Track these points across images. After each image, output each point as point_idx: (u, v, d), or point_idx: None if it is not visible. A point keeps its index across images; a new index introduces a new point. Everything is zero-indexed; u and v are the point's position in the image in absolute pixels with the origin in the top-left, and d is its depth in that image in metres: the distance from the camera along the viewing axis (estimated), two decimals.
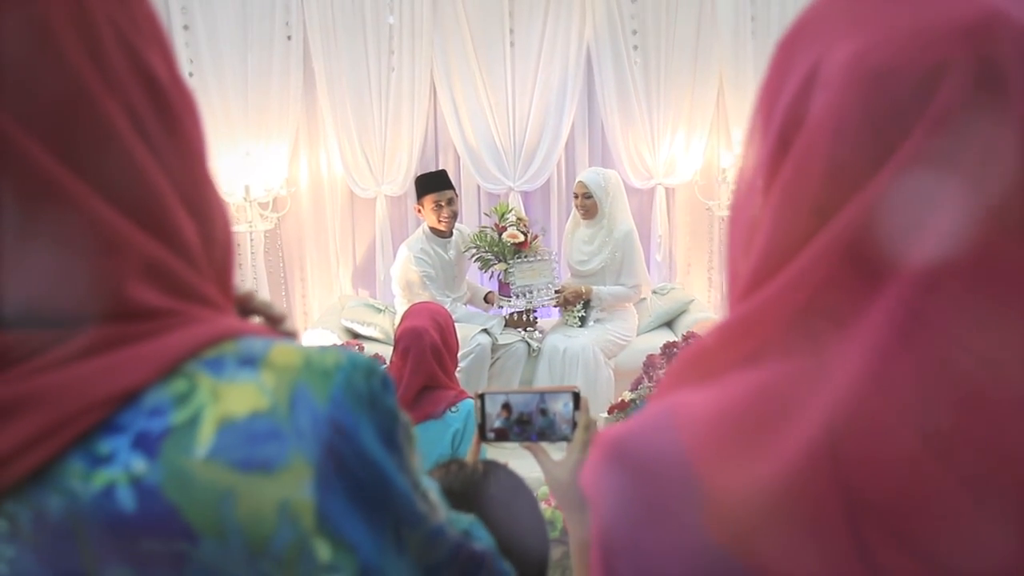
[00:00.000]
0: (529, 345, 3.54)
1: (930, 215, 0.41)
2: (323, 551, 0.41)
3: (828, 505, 0.41)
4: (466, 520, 0.58)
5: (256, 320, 0.55)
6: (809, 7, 0.48)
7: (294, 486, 0.40)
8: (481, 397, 0.90)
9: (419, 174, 3.65)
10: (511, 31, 4.13)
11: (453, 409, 2.17)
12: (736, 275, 0.50)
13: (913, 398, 0.40)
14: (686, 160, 4.35)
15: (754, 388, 0.45)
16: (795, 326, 0.45)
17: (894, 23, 0.42)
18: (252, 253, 3.98)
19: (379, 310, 3.87)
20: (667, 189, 4.42)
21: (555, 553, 2.12)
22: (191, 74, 3.85)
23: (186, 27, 3.83)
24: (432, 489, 0.51)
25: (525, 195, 4.34)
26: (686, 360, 0.51)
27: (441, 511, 0.52)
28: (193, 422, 0.39)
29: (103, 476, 0.38)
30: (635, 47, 4.20)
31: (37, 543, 0.38)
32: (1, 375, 0.37)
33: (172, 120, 0.44)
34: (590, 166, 4.11)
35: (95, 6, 0.40)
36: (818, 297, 0.44)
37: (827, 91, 0.43)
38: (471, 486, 0.93)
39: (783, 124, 0.46)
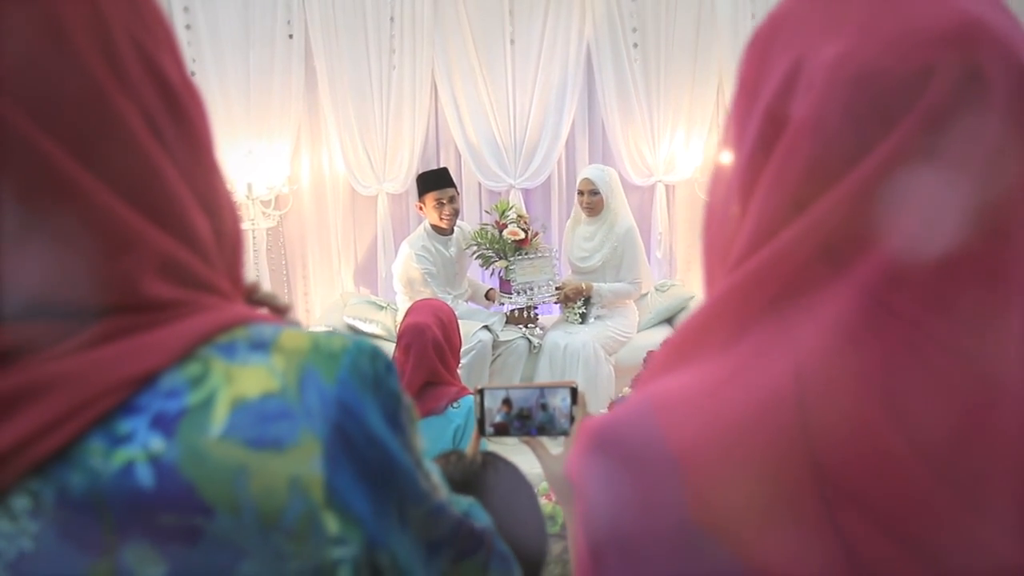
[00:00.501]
0: (530, 342, 3.56)
1: (901, 211, 0.42)
2: (332, 524, 0.43)
3: (795, 460, 0.42)
4: (465, 502, 0.60)
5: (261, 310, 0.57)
6: (780, 8, 0.50)
7: (304, 462, 0.42)
8: (480, 393, 0.92)
9: (420, 172, 3.67)
10: (511, 29, 4.14)
11: (455, 405, 2.18)
12: (713, 280, 0.52)
13: (877, 369, 0.42)
14: (686, 157, 4.36)
15: (726, 368, 0.46)
16: (768, 313, 0.46)
17: (877, 26, 0.44)
18: (255, 251, 4.00)
19: (381, 307, 3.89)
20: (667, 186, 4.43)
21: (556, 548, 2.13)
22: (193, 73, 3.85)
23: (188, 26, 3.84)
24: (434, 471, 0.53)
25: (526, 192, 4.35)
26: (667, 351, 0.52)
27: (442, 490, 0.53)
28: (208, 403, 0.41)
29: (123, 455, 0.40)
30: (635, 45, 4.21)
31: (60, 519, 0.39)
32: (22, 362, 0.39)
33: (183, 119, 0.46)
34: (590, 163, 4.12)
35: (109, 9, 0.42)
36: (790, 286, 0.45)
37: (812, 91, 0.45)
38: (470, 476, 0.95)
39: (763, 125, 0.47)
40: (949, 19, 0.43)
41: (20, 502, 0.39)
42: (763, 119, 0.47)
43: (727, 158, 0.52)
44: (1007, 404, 0.42)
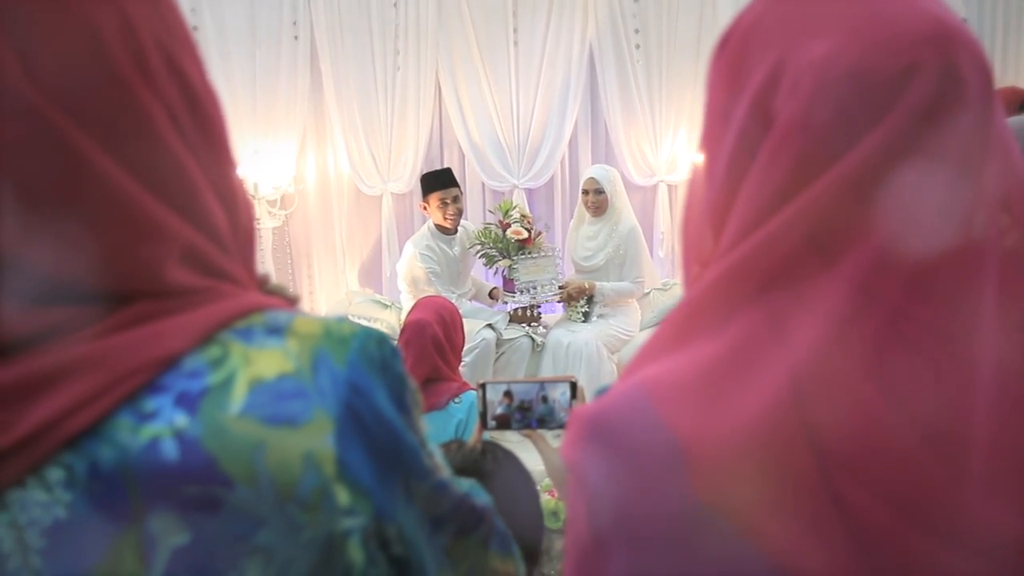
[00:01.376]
0: (533, 340, 3.59)
1: (886, 201, 0.45)
2: (343, 496, 0.45)
3: (798, 452, 0.44)
4: (466, 483, 0.62)
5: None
6: (747, 13, 0.51)
7: (317, 438, 0.45)
8: (483, 387, 0.95)
9: (424, 172, 3.70)
10: (515, 30, 4.17)
11: (456, 400, 2.20)
12: (690, 281, 0.54)
13: (870, 355, 0.44)
14: (688, 157, 4.39)
15: (719, 352, 0.47)
16: (756, 302, 0.47)
17: (864, 28, 0.46)
18: (260, 250, 4.03)
19: (385, 306, 3.92)
20: (669, 186, 4.44)
21: (558, 544, 2.16)
22: None
23: (195, 27, 3.88)
24: (437, 452, 0.56)
25: (529, 192, 4.38)
26: (654, 338, 0.53)
27: (445, 470, 0.56)
28: (228, 383, 0.44)
29: (149, 430, 0.43)
30: (637, 46, 4.23)
31: (91, 490, 0.42)
32: (54, 344, 0.42)
33: (203, 117, 0.49)
34: (593, 163, 4.14)
35: (138, 17, 0.45)
36: (778, 274, 0.47)
37: (799, 89, 0.47)
38: (470, 463, 0.98)
39: (745, 124, 0.49)
40: (929, 22, 0.46)
41: (54, 474, 0.42)
42: (746, 118, 0.49)
43: (705, 158, 0.54)
44: (986, 383, 0.44)
